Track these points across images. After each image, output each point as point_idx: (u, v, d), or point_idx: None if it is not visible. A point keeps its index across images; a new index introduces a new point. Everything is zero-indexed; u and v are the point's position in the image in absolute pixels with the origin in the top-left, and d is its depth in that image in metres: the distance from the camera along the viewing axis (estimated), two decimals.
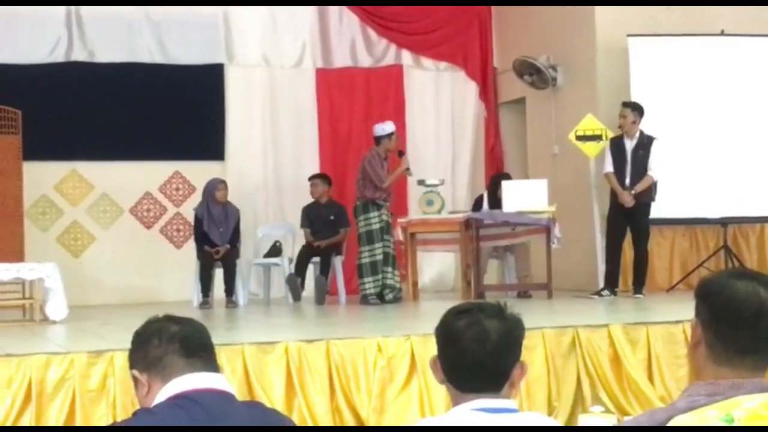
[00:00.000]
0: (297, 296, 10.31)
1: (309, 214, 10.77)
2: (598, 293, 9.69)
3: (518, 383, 2.47)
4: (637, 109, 9.78)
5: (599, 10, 10.82)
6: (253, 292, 11.16)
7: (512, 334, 2.43)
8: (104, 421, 5.55)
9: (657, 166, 9.69)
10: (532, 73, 11.61)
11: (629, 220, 9.76)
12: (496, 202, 10.39)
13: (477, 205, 10.92)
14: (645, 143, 9.69)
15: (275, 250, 10.91)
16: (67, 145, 11.33)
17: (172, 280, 11.32)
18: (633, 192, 9.62)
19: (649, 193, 9.71)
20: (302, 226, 10.80)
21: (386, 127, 10.28)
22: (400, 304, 9.92)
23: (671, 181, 10.31)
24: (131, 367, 2.54)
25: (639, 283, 9.75)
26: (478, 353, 2.37)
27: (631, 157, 9.71)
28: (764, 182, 10.47)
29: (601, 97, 10.65)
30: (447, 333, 2.43)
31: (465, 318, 2.41)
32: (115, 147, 11.42)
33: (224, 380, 2.50)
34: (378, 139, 10.23)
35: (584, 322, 6.80)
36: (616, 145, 9.83)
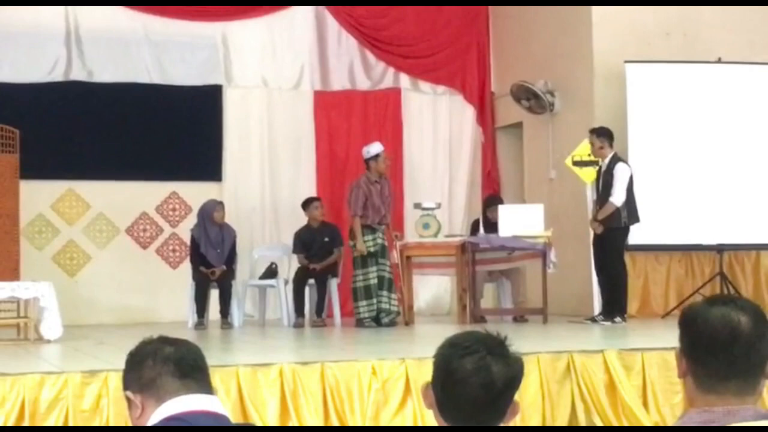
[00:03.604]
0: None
1: (303, 238, 10.73)
2: (592, 318, 9.65)
3: (509, 421, 2.39)
4: (603, 134, 9.64)
5: (597, 35, 10.87)
6: (248, 313, 11.16)
7: (516, 379, 2.35)
8: None
9: (619, 190, 9.43)
10: (529, 98, 11.65)
11: (601, 246, 9.71)
12: (486, 223, 10.46)
13: (474, 228, 10.95)
14: (610, 167, 9.56)
15: (271, 272, 10.90)
16: (65, 164, 11.34)
17: (168, 300, 11.31)
18: (597, 219, 9.56)
19: (613, 220, 9.49)
20: (295, 251, 10.77)
21: (371, 149, 10.28)
22: (395, 328, 9.90)
23: (667, 207, 10.34)
24: (125, 388, 2.53)
25: (608, 310, 9.53)
26: (480, 399, 2.30)
27: (601, 182, 9.66)
28: (760, 209, 10.49)
29: (598, 122, 10.65)
30: (450, 372, 2.32)
31: (471, 359, 2.30)
32: (113, 167, 11.44)
33: (218, 402, 2.49)
34: (366, 162, 10.24)
35: (579, 347, 6.79)
36: (597, 171, 9.82)
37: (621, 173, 9.49)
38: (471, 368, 2.29)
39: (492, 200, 10.94)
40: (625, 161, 9.68)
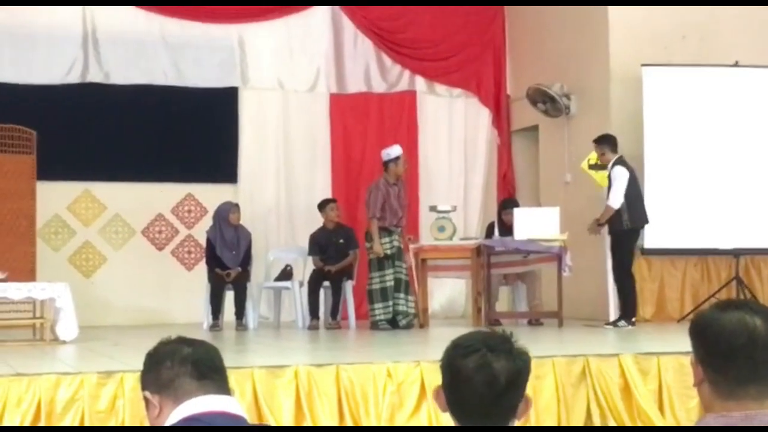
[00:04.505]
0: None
1: (319, 240, 10.74)
2: (614, 323, 9.59)
3: (522, 416, 2.40)
4: (602, 142, 9.70)
5: (613, 38, 10.85)
6: (263, 315, 11.16)
7: (521, 374, 2.36)
8: None
9: (615, 193, 9.42)
10: (545, 101, 11.63)
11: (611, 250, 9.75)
12: (501, 226, 10.46)
13: (489, 232, 10.94)
14: (610, 171, 9.58)
15: (286, 274, 10.91)
16: (81, 166, 11.38)
17: (183, 302, 11.33)
18: (599, 222, 9.57)
19: (615, 223, 9.49)
20: (311, 253, 10.78)
21: (391, 152, 10.28)
22: (410, 330, 9.90)
23: (683, 211, 10.31)
24: (143, 388, 2.53)
25: (620, 313, 9.58)
26: (486, 396, 2.31)
27: (607, 188, 9.69)
28: None
29: (615, 126, 10.64)
30: (454, 372, 2.35)
31: (473, 358, 2.32)
32: (129, 168, 11.48)
33: (236, 403, 2.50)
34: (385, 164, 10.25)
35: (595, 351, 6.78)
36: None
37: (616, 176, 9.49)
38: (473, 366, 2.31)
39: (507, 203, 10.95)
40: (625, 164, 9.62)
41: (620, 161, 9.62)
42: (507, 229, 10.29)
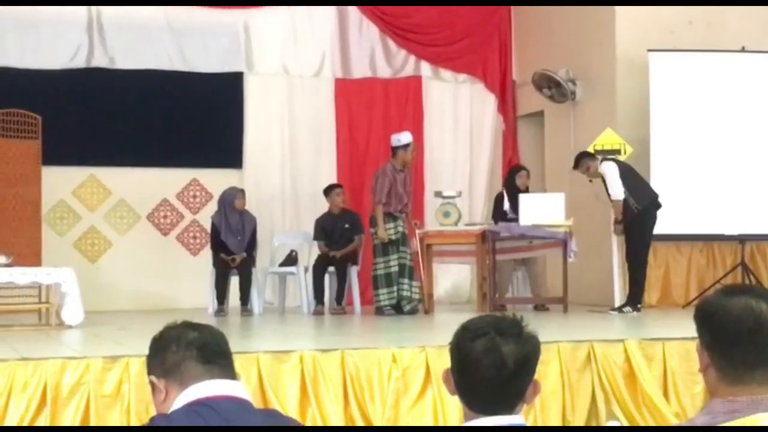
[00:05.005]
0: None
1: (324, 225, 10.75)
2: (619, 309, 9.58)
3: (531, 401, 2.40)
4: (580, 162, 9.78)
5: (620, 24, 10.82)
6: (268, 300, 11.18)
7: (530, 358, 2.36)
8: None
9: (612, 186, 9.53)
10: (551, 86, 11.61)
11: None
12: (513, 192, 10.46)
13: (498, 202, 10.87)
14: (601, 171, 9.69)
15: (291, 259, 10.92)
16: (86, 151, 11.39)
17: (188, 287, 11.35)
18: (616, 221, 9.66)
19: (626, 213, 9.55)
20: (316, 238, 10.78)
21: (402, 138, 10.27)
22: (415, 316, 9.90)
23: (689, 197, 10.29)
24: (149, 372, 2.53)
25: (625, 299, 9.62)
26: (494, 380, 2.31)
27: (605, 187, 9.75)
28: None
29: (621, 111, 10.63)
30: (462, 356, 2.35)
31: (481, 341, 2.32)
32: (134, 153, 11.48)
33: (242, 388, 2.50)
34: (394, 150, 10.23)
35: (600, 336, 6.78)
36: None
37: (606, 171, 9.58)
38: (481, 350, 2.31)
39: (518, 167, 11.01)
40: (611, 158, 9.70)
41: (604, 159, 9.67)
42: (518, 196, 10.20)
